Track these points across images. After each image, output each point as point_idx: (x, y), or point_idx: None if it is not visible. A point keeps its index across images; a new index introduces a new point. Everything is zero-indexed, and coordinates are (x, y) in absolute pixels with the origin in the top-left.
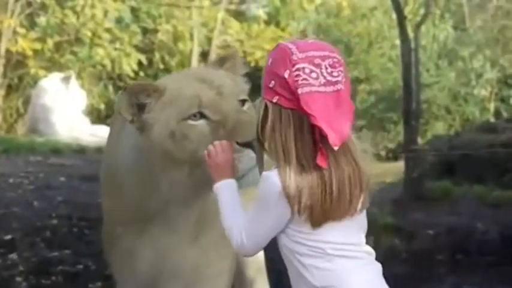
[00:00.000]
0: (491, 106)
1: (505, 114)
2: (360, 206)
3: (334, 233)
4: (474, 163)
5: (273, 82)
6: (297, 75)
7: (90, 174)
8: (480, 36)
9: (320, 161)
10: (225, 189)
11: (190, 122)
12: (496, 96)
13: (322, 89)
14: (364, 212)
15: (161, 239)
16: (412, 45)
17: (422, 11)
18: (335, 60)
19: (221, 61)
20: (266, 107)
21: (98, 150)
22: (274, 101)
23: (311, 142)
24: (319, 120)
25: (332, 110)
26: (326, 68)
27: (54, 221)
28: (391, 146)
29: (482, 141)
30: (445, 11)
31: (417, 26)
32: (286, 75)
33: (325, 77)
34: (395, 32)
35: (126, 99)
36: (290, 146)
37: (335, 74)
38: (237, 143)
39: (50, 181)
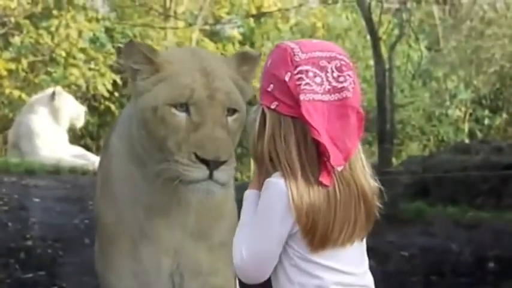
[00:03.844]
0: (466, 127)
1: (479, 135)
2: (363, 232)
3: (335, 260)
4: (448, 184)
5: (271, 86)
6: (299, 79)
7: (64, 196)
8: (454, 57)
9: (324, 178)
10: (249, 198)
11: (173, 110)
12: (470, 117)
13: (326, 97)
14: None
15: (164, 237)
16: (386, 65)
17: (396, 32)
18: (343, 63)
19: (242, 59)
20: (263, 113)
21: (72, 171)
22: (273, 107)
23: (316, 155)
24: (322, 135)
25: (336, 123)
26: (332, 72)
27: (29, 243)
28: None
29: (456, 162)
30: (419, 31)
31: (391, 47)
32: (287, 79)
33: (330, 83)
34: (370, 52)
35: (125, 58)
36: (293, 157)
37: (341, 79)
38: (196, 155)
39: (24, 202)
